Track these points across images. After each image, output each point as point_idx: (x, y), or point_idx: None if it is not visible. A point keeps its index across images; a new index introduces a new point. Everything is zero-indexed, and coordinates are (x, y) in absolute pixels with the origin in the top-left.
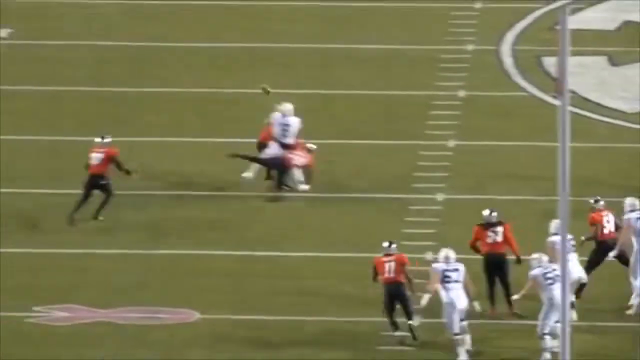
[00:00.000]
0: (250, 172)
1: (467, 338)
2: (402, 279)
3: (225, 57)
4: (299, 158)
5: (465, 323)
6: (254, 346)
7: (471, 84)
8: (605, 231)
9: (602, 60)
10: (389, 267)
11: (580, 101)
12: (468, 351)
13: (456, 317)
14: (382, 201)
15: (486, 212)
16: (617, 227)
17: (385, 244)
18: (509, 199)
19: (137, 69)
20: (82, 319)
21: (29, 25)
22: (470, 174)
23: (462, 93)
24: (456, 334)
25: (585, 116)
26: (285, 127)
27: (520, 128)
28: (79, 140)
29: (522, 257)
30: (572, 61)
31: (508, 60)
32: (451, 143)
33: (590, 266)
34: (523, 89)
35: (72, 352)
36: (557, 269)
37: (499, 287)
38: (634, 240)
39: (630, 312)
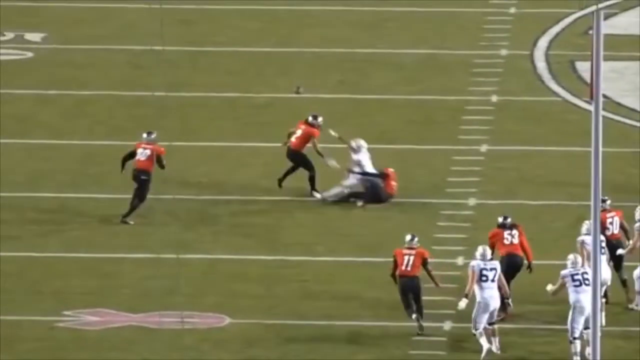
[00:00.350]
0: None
1: (496, 335)
2: (418, 273)
3: (260, 62)
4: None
5: (496, 326)
6: (285, 351)
7: (504, 88)
8: (608, 232)
9: (635, 65)
10: (407, 260)
11: (614, 106)
12: (496, 348)
13: (485, 317)
14: (414, 206)
15: (500, 219)
16: (624, 229)
17: (408, 237)
18: (541, 204)
19: (172, 74)
20: (112, 323)
21: (61, 29)
22: (502, 179)
23: (495, 98)
24: (477, 330)
25: (618, 121)
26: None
27: (553, 133)
28: (111, 144)
29: (535, 262)
30: (606, 66)
31: (541, 65)
32: (484, 148)
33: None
34: (556, 94)
35: (102, 356)
36: (588, 271)
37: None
38: None
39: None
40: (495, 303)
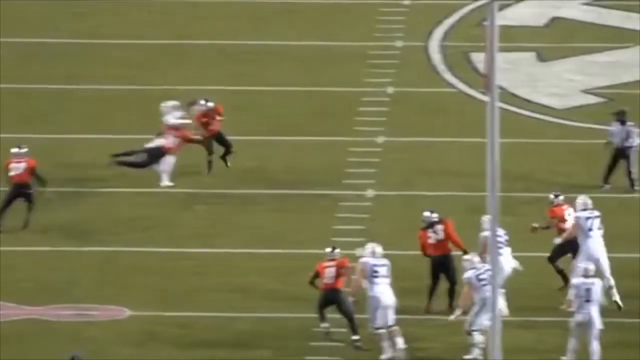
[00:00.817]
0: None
1: (397, 336)
2: (341, 285)
3: (156, 54)
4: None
5: (393, 323)
6: (184, 343)
7: (400, 80)
8: (567, 225)
9: (530, 56)
10: (329, 273)
11: (509, 97)
12: (399, 349)
13: (380, 313)
14: (312, 198)
15: (426, 213)
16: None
17: (329, 249)
18: (438, 195)
19: (66, 66)
20: (11, 317)
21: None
22: (400, 170)
23: (390, 89)
24: (378, 328)
25: (514, 112)
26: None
27: (449, 124)
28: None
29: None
30: (501, 57)
31: (436, 57)
32: (380, 139)
33: (555, 256)
34: (451, 85)
35: (1, 349)
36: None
37: (443, 285)
38: (579, 239)
39: (564, 307)
40: (387, 298)
